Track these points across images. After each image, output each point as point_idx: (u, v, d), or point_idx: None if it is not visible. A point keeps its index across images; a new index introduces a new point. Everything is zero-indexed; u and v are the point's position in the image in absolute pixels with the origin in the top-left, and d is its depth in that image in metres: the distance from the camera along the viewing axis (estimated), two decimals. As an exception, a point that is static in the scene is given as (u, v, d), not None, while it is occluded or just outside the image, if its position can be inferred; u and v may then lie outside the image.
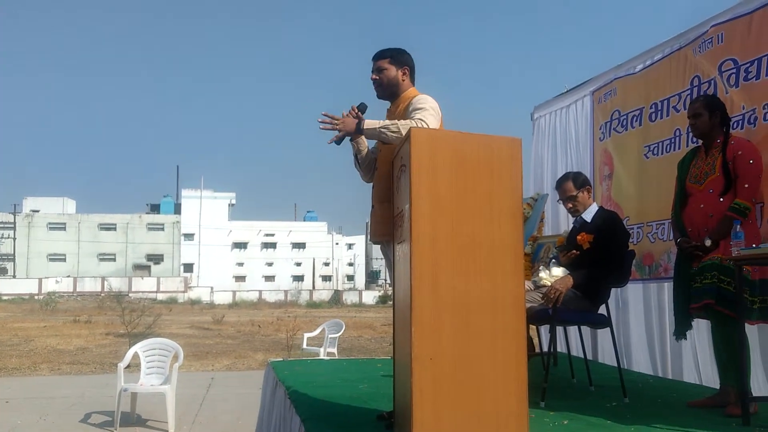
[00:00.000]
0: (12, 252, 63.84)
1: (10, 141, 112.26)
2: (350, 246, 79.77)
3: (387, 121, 3.31)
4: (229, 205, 73.84)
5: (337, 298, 53.42)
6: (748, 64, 4.47)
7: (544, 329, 6.50)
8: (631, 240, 4.93)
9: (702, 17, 5.00)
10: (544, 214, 6.61)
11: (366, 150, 3.61)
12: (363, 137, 3.50)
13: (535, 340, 6.02)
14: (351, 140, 3.53)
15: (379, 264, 74.69)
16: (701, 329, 4.76)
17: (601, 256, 4.18)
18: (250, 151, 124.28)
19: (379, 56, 3.50)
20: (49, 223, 66.91)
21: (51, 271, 62.91)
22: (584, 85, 6.69)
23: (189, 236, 69.48)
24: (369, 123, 3.31)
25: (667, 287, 5.18)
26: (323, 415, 3.66)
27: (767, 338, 4.43)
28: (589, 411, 3.74)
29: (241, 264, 72.85)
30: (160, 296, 51.42)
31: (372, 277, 79.88)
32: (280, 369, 5.32)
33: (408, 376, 2.60)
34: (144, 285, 56.86)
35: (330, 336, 11.47)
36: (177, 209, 71.27)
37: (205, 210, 69.35)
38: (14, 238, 63.73)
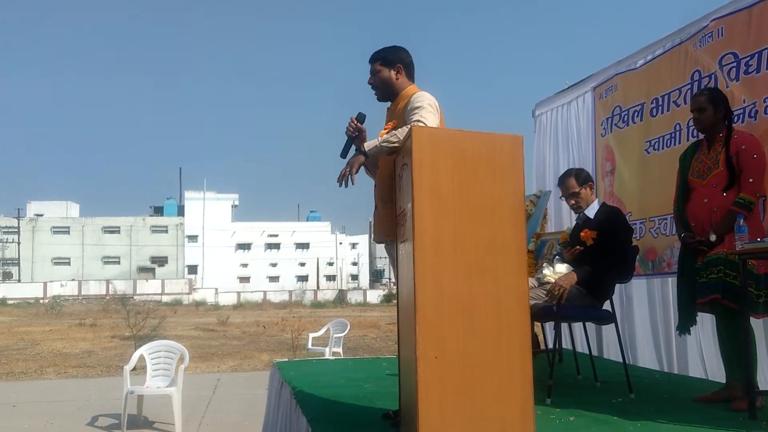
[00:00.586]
0: (17, 256, 63.99)
1: (13, 145, 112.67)
2: (354, 245, 79.76)
3: (385, 135, 3.26)
4: (232, 206, 73.95)
5: (341, 298, 53.42)
6: (748, 58, 4.46)
7: (549, 326, 6.50)
8: (633, 235, 4.92)
9: (702, 11, 5.01)
10: (547, 210, 6.61)
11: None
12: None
13: (540, 337, 6.01)
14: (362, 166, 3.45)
15: (383, 263, 74.71)
16: (706, 324, 4.75)
17: (604, 252, 4.18)
18: (252, 152, 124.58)
19: (372, 59, 3.48)
20: (53, 227, 67.11)
21: (56, 274, 63.04)
22: (585, 81, 6.69)
23: (193, 238, 69.61)
24: (369, 144, 3.27)
25: (671, 282, 5.18)
26: (329, 415, 3.66)
27: (773, 332, 4.42)
28: (595, 407, 3.73)
29: (245, 265, 72.95)
30: (165, 298, 51.49)
31: (376, 276, 79.92)
32: (285, 369, 5.33)
33: (413, 374, 2.60)
34: (148, 287, 56.90)
35: (335, 336, 11.48)
36: (180, 211, 71.41)
37: (209, 211, 69.46)
38: (19, 243, 63.87)
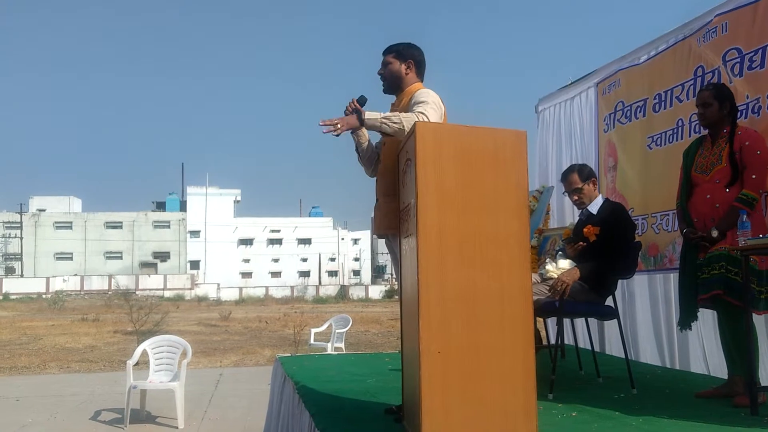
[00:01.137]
0: (19, 251, 64.07)
1: (15, 140, 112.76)
2: (356, 241, 79.83)
3: (389, 113, 3.29)
4: (234, 201, 73.97)
5: (343, 293, 53.50)
6: (752, 54, 4.45)
7: (551, 321, 6.50)
8: (636, 231, 4.93)
9: (706, 7, 5.00)
10: (550, 206, 6.62)
11: (367, 143, 3.57)
12: (364, 130, 3.48)
13: (542, 333, 6.02)
14: (352, 133, 3.49)
15: (385, 259, 74.75)
16: (707, 319, 4.76)
17: (607, 248, 4.18)
18: (254, 148, 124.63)
19: (386, 51, 3.51)
20: (56, 222, 67.17)
21: (58, 269, 63.14)
22: (588, 76, 6.68)
23: (195, 233, 69.64)
24: (370, 114, 3.29)
25: (673, 278, 5.18)
26: (332, 410, 3.68)
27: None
28: (598, 402, 3.74)
29: (247, 260, 73.03)
30: (167, 293, 51.61)
31: (378, 272, 79.97)
32: (288, 364, 5.34)
33: (416, 369, 2.61)
34: (151, 282, 56.99)
35: (337, 331, 11.50)
36: (183, 206, 71.42)
37: (211, 207, 69.50)
38: (21, 238, 63.94)
